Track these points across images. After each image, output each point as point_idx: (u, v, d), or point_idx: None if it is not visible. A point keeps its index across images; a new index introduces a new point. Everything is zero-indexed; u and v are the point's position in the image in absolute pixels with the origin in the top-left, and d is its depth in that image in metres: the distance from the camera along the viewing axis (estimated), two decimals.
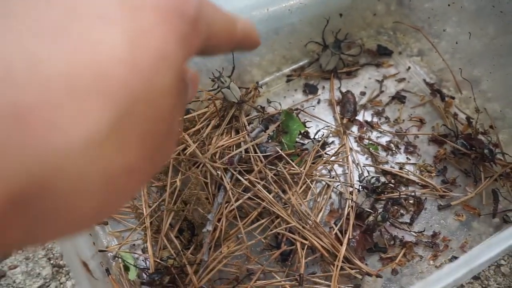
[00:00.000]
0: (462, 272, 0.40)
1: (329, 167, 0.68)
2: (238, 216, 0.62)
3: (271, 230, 0.62)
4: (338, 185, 0.67)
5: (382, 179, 0.66)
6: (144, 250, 0.62)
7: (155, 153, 0.25)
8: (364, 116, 0.74)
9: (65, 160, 0.20)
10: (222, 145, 0.64)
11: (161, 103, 0.23)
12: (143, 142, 0.23)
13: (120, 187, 0.24)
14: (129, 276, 0.60)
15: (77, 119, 0.20)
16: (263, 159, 0.64)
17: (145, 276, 0.59)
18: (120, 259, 0.61)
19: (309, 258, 0.61)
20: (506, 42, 0.70)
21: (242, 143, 0.66)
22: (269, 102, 0.75)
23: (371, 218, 0.61)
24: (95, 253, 0.60)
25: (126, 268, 0.60)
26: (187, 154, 0.63)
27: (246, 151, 0.65)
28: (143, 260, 0.62)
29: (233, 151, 0.65)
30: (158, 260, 0.60)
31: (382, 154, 0.71)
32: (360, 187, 0.65)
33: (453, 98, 0.75)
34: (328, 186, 0.67)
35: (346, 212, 0.63)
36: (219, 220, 0.62)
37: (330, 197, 0.66)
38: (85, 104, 0.19)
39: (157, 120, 0.23)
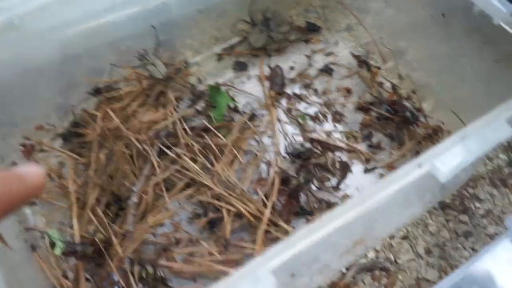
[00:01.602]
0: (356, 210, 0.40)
1: (257, 138, 0.70)
2: (164, 188, 0.63)
3: (197, 199, 0.63)
4: (265, 154, 0.68)
5: (308, 145, 0.68)
6: (71, 227, 0.62)
7: None
8: (293, 89, 0.76)
9: None
10: (149, 120, 0.65)
11: None
12: None
13: None
14: (55, 251, 0.59)
15: None
16: (189, 132, 0.65)
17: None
18: (46, 236, 0.61)
19: (236, 224, 0.62)
20: (431, 14, 0.72)
21: (169, 118, 0.66)
22: (199, 80, 0.76)
23: (294, 181, 0.62)
24: (20, 231, 0.60)
25: (53, 245, 0.60)
26: (111, 129, 0.63)
27: (173, 125, 0.65)
28: (70, 237, 0.62)
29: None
30: (85, 235, 0.60)
31: (310, 124, 0.72)
32: (286, 153, 0.66)
33: (379, 68, 0.77)
34: (256, 156, 0.68)
35: (271, 178, 0.64)
36: (145, 193, 0.62)
37: (258, 167, 0.67)
38: None
39: None
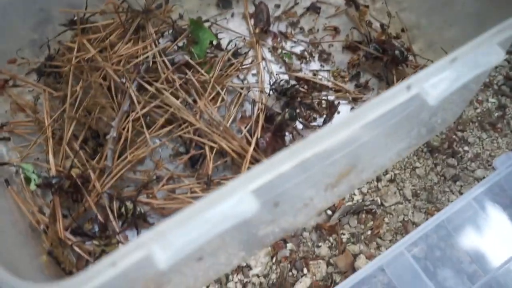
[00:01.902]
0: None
1: (242, 76, 0.67)
2: (144, 124, 0.60)
3: (179, 135, 0.60)
4: (249, 93, 0.65)
5: (293, 83, 0.65)
6: (47, 162, 0.59)
7: None
8: (279, 27, 0.73)
9: None
10: (127, 53, 0.62)
11: None
12: None
13: None
14: (31, 187, 0.57)
15: None
16: (170, 67, 0.62)
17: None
18: (21, 171, 0.58)
19: (218, 162, 0.60)
20: None
21: (149, 52, 0.63)
22: (181, 16, 0.72)
23: (279, 118, 0.60)
24: None
25: (27, 180, 0.58)
26: (88, 60, 0.60)
27: (154, 58, 0.63)
28: (46, 172, 0.59)
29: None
30: (61, 169, 0.58)
31: (296, 63, 0.70)
32: (271, 90, 0.64)
33: (367, 7, 0.74)
34: (240, 94, 0.65)
35: (255, 115, 0.62)
36: (125, 129, 0.60)
37: (242, 105, 0.65)
38: None
39: None
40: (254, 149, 0.59)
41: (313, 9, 0.74)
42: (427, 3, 0.70)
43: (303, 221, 0.60)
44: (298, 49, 0.71)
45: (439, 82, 0.41)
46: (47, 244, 0.55)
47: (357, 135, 0.41)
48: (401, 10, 0.72)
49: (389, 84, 0.67)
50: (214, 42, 0.68)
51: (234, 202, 0.35)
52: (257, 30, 0.70)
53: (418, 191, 0.64)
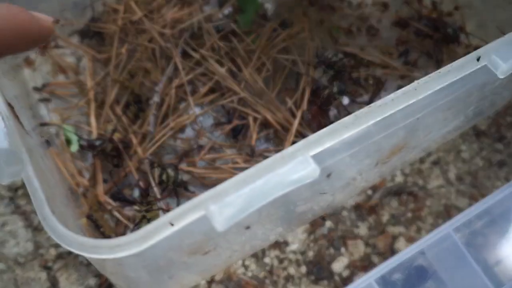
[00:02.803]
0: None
1: (287, 46, 0.65)
2: (187, 91, 0.59)
3: (222, 104, 0.59)
4: (296, 64, 0.64)
5: (341, 55, 0.63)
6: (88, 124, 0.58)
7: None
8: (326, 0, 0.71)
9: None
10: (172, 18, 0.61)
11: None
12: None
13: None
14: (71, 148, 0.56)
15: None
16: (215, 34, 0.61)
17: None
18: (62, 132, 0.57)
19: (261, 133, 0.59)
20: None
21: (194, 17, 0.62)
22: None
23: (326, 91, 0.58)
24: (35, 126, 0.57)
25: (68, 142, 0.57)
26: (134, 22, 0.59)
27: (199, 24, 0.61)
28: (87, 135, 0.59)
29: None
30: (103, 133, 0.57)
31: (343, 37, 0.67)
32: (318, 63, 0.62)
33: None
34: (285, 66, 0.63)
35: (301, 87, 0.60)
36: (168, 95, 0.59)
37: (288, 76, 0.63)
38: None
39: None
40: (299, 122, 0.57)
41: None
42: None
43: (344, 199, 0.59)
44: (345, 23, 0.69)
45: (510, 54, 0.39)
46: (86, 207, 0.54)
47: (422, 105, 0.39)
48: None
49: (438, 63, 0.65)
50: (260, 11, 0.66)
51: (295, 165, 0.34)
52: (304, 2, 0.68)
53: (462, 175, 0.62)
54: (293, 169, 0.34)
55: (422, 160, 0.63)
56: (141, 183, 0.54)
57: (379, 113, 0.36)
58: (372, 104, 0.36)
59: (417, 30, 0.66)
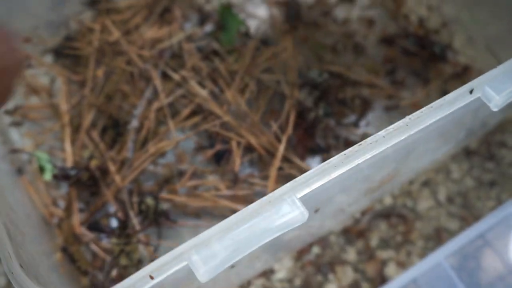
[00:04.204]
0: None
1: (271, 66, 0.63)
2: (168, 114, 0.56)
3: (204, 128, 0.57)
4: (280, 85, 0.61)
5: (326, 75, 0.61)
6: (63, 151, 0.55)
7: None
8: (310, 16, 0.69)
9: None
10: (151, 38, 0.58)
11: None
12: None
13: None
14: (45, 176, 0.53)
15: None
16: (196, 54, 0.58)
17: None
18: (35, 159, 0.54)
19: (245, 157, 0.57)
20: None
21: (174, 37, 0.59)
22: (207, 0, 0.68)
23: (312, 113, 0.56)
24: (6, 153, 0.54)
25: (42, 170, 0.54)
26: (110, 43, 0.56)
27: (179, 44, 0.58)
28: (61, 161, 0.56)
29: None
30: (78, 159, 0.54)
31: (328, 55, 0.66)
32: (302, 84, 0.60)
33: None
34: (269, 86, 0.61)
35: (286, 109, 0.58)
36: (147, 118, 0.56)
37: (271, 98, 0.61)
38: None
39: None
40: (284, 146, 0.55)
41: None
42: None
43: (333, 225, 0.57)
44: (330, 41, 0.67)
45: (503, 85, 0.38)
46: (61, 239, 0.51)
47: (413, 139, 0.37)
48: (442, 1, 0.68)
49: (426, 82, 0.63)
50: (242, 29, 0.64)
51: (282, 210, 0.32)
52: (287, 19, 0.66)
53: (453, 196, 0.61)
54: (281, 213, 0.32)
55: (411, 182, 0.61)
56: (119, 214, 0.51)
57: (369, 150, 0.35)
58: (362, 142, 0.35)
59: (403, 49, 0.64)
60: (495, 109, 0.38)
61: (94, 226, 0.52)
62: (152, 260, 0.37)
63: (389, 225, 0.59)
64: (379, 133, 0.35)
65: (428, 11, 0.69)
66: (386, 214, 0.59)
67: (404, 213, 0.59)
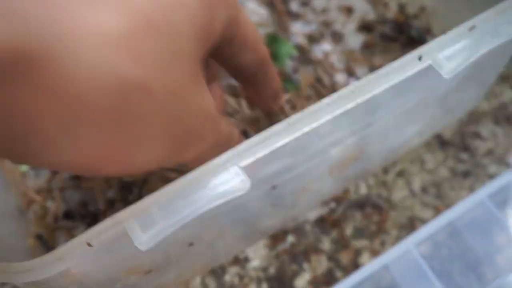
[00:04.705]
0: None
1: None
2: None
3: None
4: None
5: None
6: None
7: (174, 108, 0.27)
8: (289, 7, 0.69)
9: (67, 41, 0.19)
10: None
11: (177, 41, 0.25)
12: (158, 66, 0.23)
13: (133, 108, 0.23)
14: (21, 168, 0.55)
15: (94, 13, 0.20)
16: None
17: None
18: None
19: None
20: None
21: None
22: None
23: None
24: None
25: None
26: None
27: None
28: None
29: None
30: None
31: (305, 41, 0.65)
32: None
33: None
34: None
35: None
36: None
37: None
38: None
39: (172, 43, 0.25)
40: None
41: None
42: None
43: (304, 211, 0.57)
44: (308, 29, 0.67)
45: (454, 52, 0.35)
46: (35, 226, 0.53)
47: (364, 111, 0.36)
48: None
49: None
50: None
51: (223, 178, 0.31)
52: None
53: (427, 186, 0.60)
54: (222, 180, 0.31)
55: (386, 171, 0.60)
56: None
57: (313, 118, 0.33)
58: (304, 109, 0.33)
59: (382, 34, 0.64)
60: (446, 77, 0.35)
61: (70, 214, 0.53)
62: None
63: (364, 214, 0.58)
64: (323, 100, 0.33)
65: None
66: (361, 204, 0.59)
67: (379, 203, 0.59)
